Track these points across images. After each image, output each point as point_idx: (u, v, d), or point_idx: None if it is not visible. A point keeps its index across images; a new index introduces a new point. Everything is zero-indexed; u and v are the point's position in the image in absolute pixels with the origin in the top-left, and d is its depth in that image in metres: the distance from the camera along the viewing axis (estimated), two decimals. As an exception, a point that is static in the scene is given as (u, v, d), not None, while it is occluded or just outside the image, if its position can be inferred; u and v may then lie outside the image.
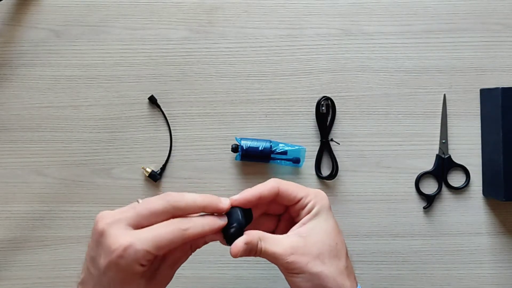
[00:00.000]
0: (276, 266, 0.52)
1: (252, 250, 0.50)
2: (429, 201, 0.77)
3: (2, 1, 0.77)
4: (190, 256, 0.76)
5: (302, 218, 0.53)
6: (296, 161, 0.76)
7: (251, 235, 0.51)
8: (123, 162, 0.77)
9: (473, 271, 0.77)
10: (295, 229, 0.53)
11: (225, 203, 0.50)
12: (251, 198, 0.52)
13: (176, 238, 0.47)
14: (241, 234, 0.51)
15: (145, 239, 0.46)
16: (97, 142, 0.77)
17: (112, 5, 0.77)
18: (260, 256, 0.52)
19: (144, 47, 0.77)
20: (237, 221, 0.51)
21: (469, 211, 0.77)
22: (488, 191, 0.76)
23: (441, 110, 0.77)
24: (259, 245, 0.50)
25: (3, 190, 0.77)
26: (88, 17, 0.77)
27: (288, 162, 0.76)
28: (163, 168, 0.77)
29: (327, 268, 0.50)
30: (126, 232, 0.46)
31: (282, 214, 0.57)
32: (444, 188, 0.77)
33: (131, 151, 0.77)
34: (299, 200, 0.53)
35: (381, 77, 0.77)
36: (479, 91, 0.77)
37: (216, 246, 0.76)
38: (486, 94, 0.76)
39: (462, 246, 0.77)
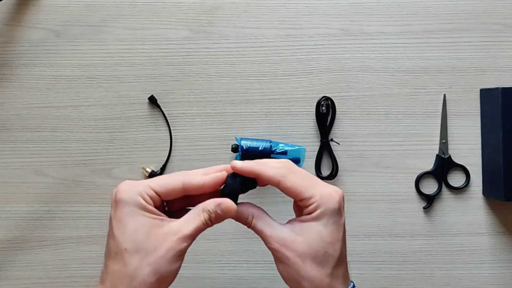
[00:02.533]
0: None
1: (241, 219, 0.54)
2: (429, 201, 0.77)
3: (2, 1, 0.77)
4: (190, 256, 0.76)
5: (303, 215, 0.53)
6: (296, 161, 0.76)
7: (245, 208, 0.54)
8: (123, 162, 0.77)
9: (473, 271, 0.77)
10: (292, 223, 0.53)
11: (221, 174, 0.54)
12: (249, 172, 0.53)
13: (176, 181, 0.51)
14: (235, 196, 0.54)
15: (149, 180, 0.51)
16: (97, 142, 0.77)
17: (112, 5, 0.77)
18: (251, 229, 0.54)
19: (144, 47, 0.77)
20: (231, 186, 0.53)
21: (469, 211, 0.77)
22: (488, 191, 0.76)
23: (441, 110, 0.77)
24: (249, 219, 0.53)
25: (3, 190, 0.77)
26: (88, 17, 0.77)
27: (288, 162, 0.76)
28: (163, 168, 0.77)
29: (307, 270, 0.51)
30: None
31: None
32: (444, 188, 0.77)
33: (131, 151, 0.77)
34: (302, 199, 0.52)
35: (381, 77, 0.77)
36: (479, 91, 0.77)
37: (216, 246, 0.77)
38: (486, 94, 0.76)
39: (462, 246, 0.77)
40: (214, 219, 0.52)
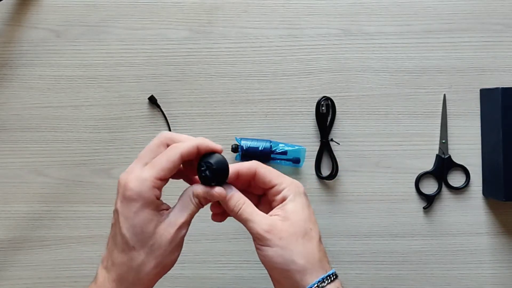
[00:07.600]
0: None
1: (229, 204, 0.54)
2: (429, 201, 0.77)
3: (2, 1, 0.77)
4: (190, 256, 0.76)
5: (278, 203, 0.55)
6: (296, 161, 0.76)
7: (238, 194, 0.55)
8: (123, 162, 0.77)
9: (473, 271, 0.77)
10: (273, 213, 0.55)
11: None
12: (231, 173, 0.55)
13: (174, 156, 0.52)
14: (215, 177, 0.54)
15: (149, 168, 0.52)
16: (97, 142, 0.77)
17: (112, 5, 0.77)
18: (236, 218, 0.55)
19: (144, 47, 0.77)
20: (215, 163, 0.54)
21: (469, 211, 0.77)
22: (488, 191, 0.76)
23: (441, 110, 0.77)
24: (238, 203, 0.54)
25: (3, 190, 0.77)
26: (88, 17, 0.77)
27: (288, 162, 0.76)
28: (163, 168, 0.77)
29: (299, 246, 0.53)
30: (133, 173, 0.52)
31: (262, 196, 0.59)
32: (444, 188, 0.77)
33: (131, 151, 0.77)
34: (273, 186, 0.56)
35: (381, 77, 0.77)
36: (479, 91, 0.77)
37: (216, 246, 0.77)
38: (486, 94, 0.76)
39: (462, 246, 0.77)
40: (204, 202, 0.55)
